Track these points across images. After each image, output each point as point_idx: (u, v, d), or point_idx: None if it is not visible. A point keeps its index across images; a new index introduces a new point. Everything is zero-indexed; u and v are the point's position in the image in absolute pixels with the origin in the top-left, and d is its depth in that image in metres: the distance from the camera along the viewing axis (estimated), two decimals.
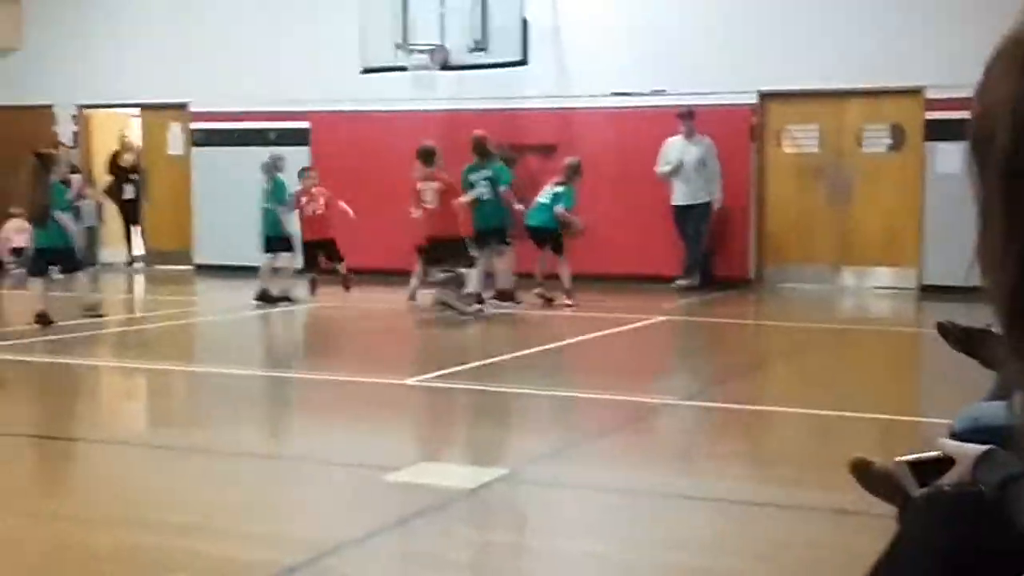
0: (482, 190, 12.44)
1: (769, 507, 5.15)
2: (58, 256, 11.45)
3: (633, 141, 15.49)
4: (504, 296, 13.00)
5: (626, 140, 15.54)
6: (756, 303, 14.51)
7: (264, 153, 16.45)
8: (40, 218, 11.38)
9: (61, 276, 13.70)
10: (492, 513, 5.19)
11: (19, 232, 18.14)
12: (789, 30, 15.12)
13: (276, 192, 13.43)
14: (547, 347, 10.48)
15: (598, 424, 7.02)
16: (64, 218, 11.39)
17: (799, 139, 15.49)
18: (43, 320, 10.95)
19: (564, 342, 10.85)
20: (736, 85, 15.21)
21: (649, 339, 11.29)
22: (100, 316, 11.77)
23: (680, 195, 14.99)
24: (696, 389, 8.35)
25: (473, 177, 12.60)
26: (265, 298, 12.94)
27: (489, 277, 13.02)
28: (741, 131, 15.38)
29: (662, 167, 14.95)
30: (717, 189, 14.94)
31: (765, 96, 15.39)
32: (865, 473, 3.21)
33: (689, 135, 14.94)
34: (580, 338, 11.09)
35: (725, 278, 15.21)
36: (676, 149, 14.96)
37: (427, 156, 12.52)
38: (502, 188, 12.75)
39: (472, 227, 12.51)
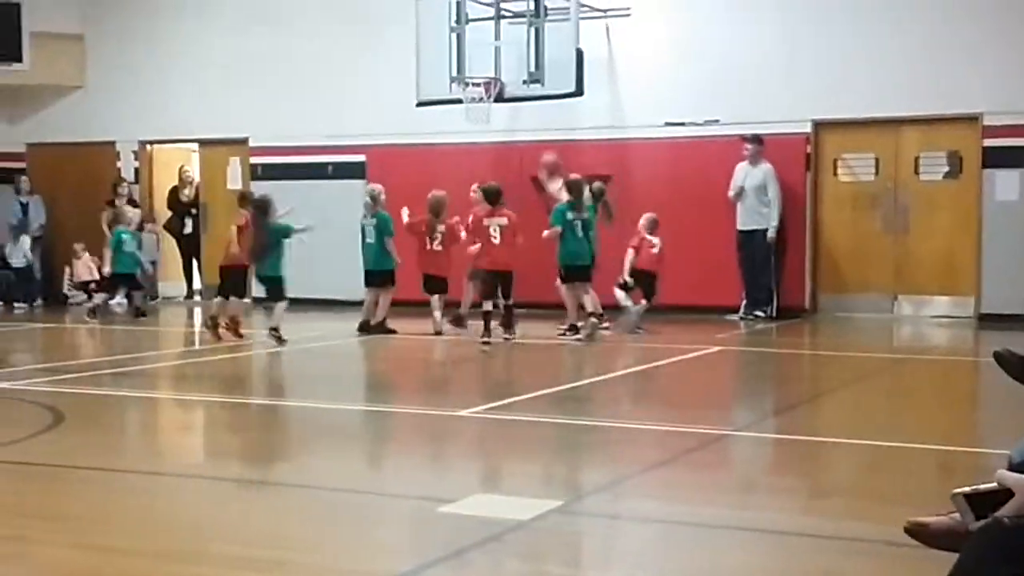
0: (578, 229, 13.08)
1: (823, 539, 5.12)
2: (272, 284, 12.94)
3: (687, 171, 15.51)
4: (572, 329, 13.15)
5: (680, 170, 15.55)
6: (812, 332, 14.43)
7: (321, 186, 16.70)
8: (260, 255, 12.92)
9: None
10: (546, 545, 5.20)
11: (87, 267, 18.50)
12: (843, 58, 15.10)
13: (383, 227, 13.61)
14: (601, 378, 10.48)
15: (653, 455, 7.01)
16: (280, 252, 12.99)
17: (854, 167, 15.42)
18: (278, 337, 12.55)
19: (619, 373, 10.85)
20: (790, 114, 15.21)
21: (704, 369, 11.25)
22: (281, 339, 12.57)
23: (740, 220, 15.05)
24: (751, 420, 8.32)
25: (571, 215, 13.06)
26: (366, 329, 13.50)
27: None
28: (796, 160, 15.35)
29: (730, 192, 15.00)
30: (773, 216, 14.90)
31: (820, 125, 15.35)
32: (923, 534, 3.20)
33: (752, 160, 14.96)
34: (635, 369, 11.09)
35: (781, 307, 15.15)
36: (740, 174, 15.01)
37: (494, 196, 13.10)
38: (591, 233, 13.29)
39: (560, 262, 13.28)
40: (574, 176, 13.50)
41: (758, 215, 14.97)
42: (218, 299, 13.40)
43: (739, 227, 15.09)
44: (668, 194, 15.43)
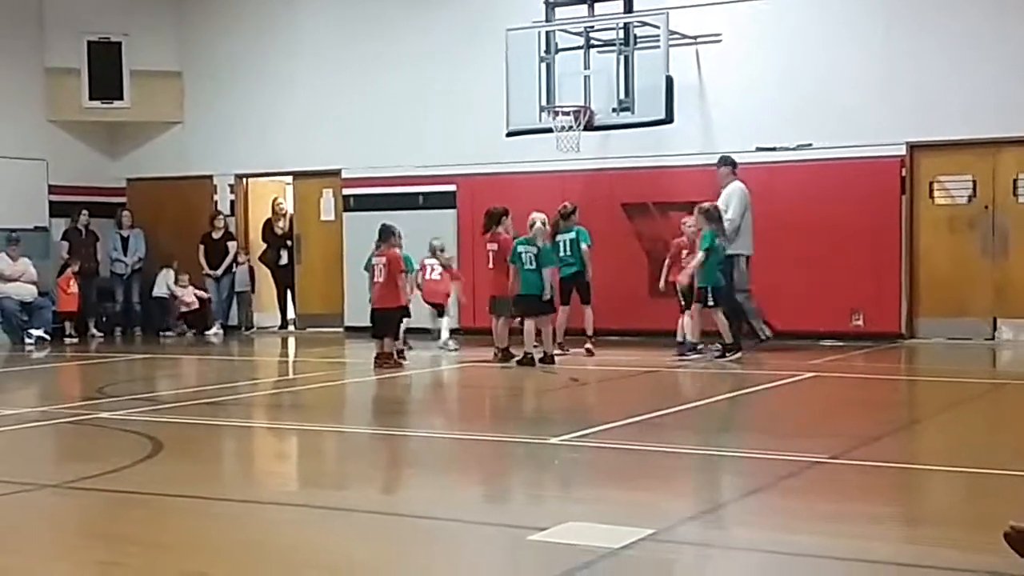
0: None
1: (923, 568, 5.03)
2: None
3: (779, 196, 15.36)
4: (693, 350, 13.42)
5: (772, 195, 15.39)
6: (908, 358, 14.18)
7: (412, 216, 16.79)
8: None
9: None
10: (638, 573, 5.17)
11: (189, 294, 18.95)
12: (938, 79, 14.89)
13: (546, 256, 13.40)
14: (693, 405, 10.40)
15: (746, 483, 6.94)
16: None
17: (951, 190, 15.17)
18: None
19: (711, 399, 10.76)
20: (884, 137, 15.03)
21: (798, 396, 11.12)
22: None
23: None
24: (846, 447, 8.18)
25: (719, 241, 13.41)
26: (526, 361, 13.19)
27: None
28: (891, 183, 15.15)
29: None
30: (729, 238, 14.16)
31: (915, 147, 15.14)
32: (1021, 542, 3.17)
33: (723, 183, 14.45)
34: (727, 395, 11.00)
35: (876, 333, 14.94)
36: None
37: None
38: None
39: (707, 285, 13.35)
40: (711, 204, 13.61)
41: (738, 240, 14.31)
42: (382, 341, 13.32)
43: None
44: (760, 219, 15.27)
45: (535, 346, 13.21)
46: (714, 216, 13.42)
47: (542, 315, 13.30)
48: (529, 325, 13.23)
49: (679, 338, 13.67)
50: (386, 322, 13.24)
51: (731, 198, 14.24)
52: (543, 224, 13.44)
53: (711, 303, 13.30)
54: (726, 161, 14.66)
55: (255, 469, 8.34)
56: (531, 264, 13.26)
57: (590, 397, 11.74)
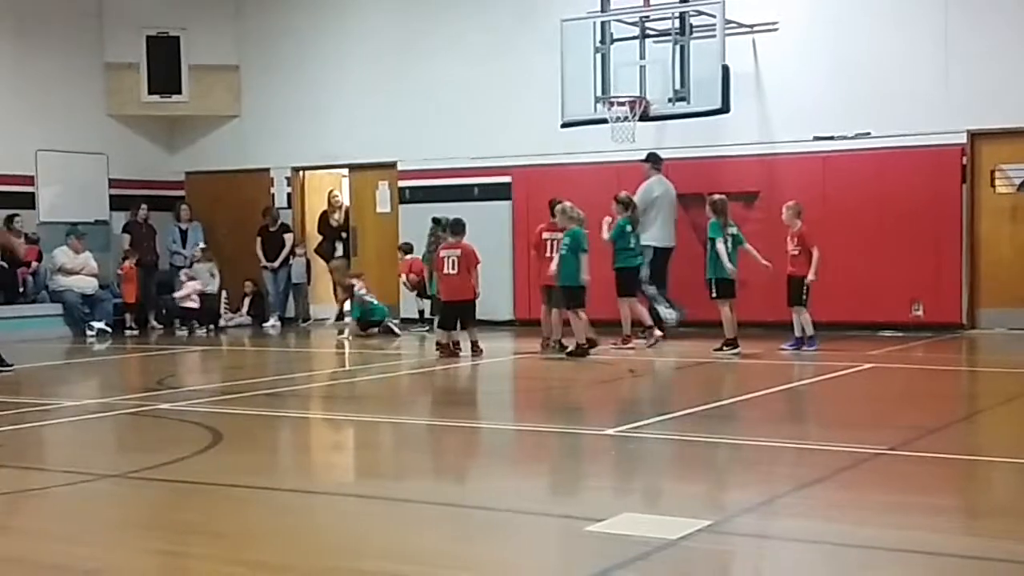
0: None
1: (981, 560, 4.97)
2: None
3: (838, 186, 15.24)
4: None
5: (829, 185, 15.29)
6: (968, 348, 14.01)
7: (468, 208, 16.78)
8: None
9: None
10: (695, 564, 5.15)
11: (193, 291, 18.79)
12: (999, 66, 14.69)
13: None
14: (751, 396, 10.34)
15: (804, 474, 6.89)
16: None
17: (1013, 178, 14.96)
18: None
19: (768, 390, 10.69)
20: (944, 125, 14.85)
21: (857, 387, 11.03)
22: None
23: None
24: (906, 438, 8.11)
25: (724, 232, 13.34)
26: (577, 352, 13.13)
27: None
28: (951, 172, 14.96)
29: None
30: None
31: (975, 135, 14.94)
32: None
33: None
34: (785, 386, 10.92)
35: (936, 323, 14.78)
36: None
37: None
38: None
39: (714, 277, 13.42)
40: (719, 195, 13.45)
41: (645, 232, 14.55)
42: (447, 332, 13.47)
43: None
44: (819, 210, 15.15)
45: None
46: (719, 207, 13.36)
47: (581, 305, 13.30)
48: (583, 316, 13.23)
49: (797, 333, 13.42)
50: (457, 313, 13.29)
51: (639, 193, 14.63)
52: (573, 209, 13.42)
53: (715, 294, 13.28)
54: (647, 157, 15.14)
55: (314, 459, 8.40)
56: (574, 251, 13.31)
57: (647, 388, 11.71)
